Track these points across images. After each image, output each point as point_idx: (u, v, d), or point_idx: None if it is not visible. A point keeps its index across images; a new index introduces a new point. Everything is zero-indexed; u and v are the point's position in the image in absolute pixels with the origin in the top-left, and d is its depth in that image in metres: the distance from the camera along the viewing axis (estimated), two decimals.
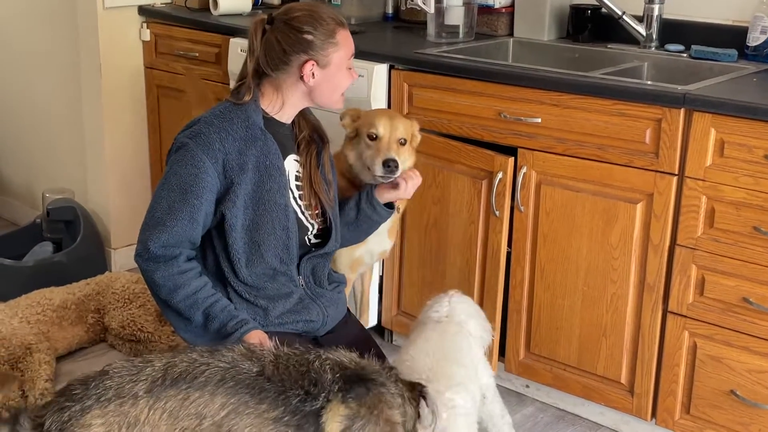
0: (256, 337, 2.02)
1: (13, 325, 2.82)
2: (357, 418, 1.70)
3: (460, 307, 2.30)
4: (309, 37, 2.10)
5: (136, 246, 2.07)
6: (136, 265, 3.52)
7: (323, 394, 1.70)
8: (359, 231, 2.36)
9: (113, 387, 1.65)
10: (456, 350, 2.18)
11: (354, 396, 1.72)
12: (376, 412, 1.72)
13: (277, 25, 2.12)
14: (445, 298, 2.33)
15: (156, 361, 1.71)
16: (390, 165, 2.30)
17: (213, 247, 2.12)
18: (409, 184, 2.34)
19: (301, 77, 2.11)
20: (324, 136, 2.26)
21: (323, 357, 1.78)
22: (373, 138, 2.36)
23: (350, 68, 2.19)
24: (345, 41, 2.15)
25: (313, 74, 2.11)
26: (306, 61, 2.10)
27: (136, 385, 1.65)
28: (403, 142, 2.38)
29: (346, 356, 1.81)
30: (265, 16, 2.14)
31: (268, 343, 1.99)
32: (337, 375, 1.74)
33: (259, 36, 2.12)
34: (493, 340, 2.41)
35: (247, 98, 2.11)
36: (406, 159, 2.38)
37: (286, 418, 1.67)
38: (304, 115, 2.24)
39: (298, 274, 2.18)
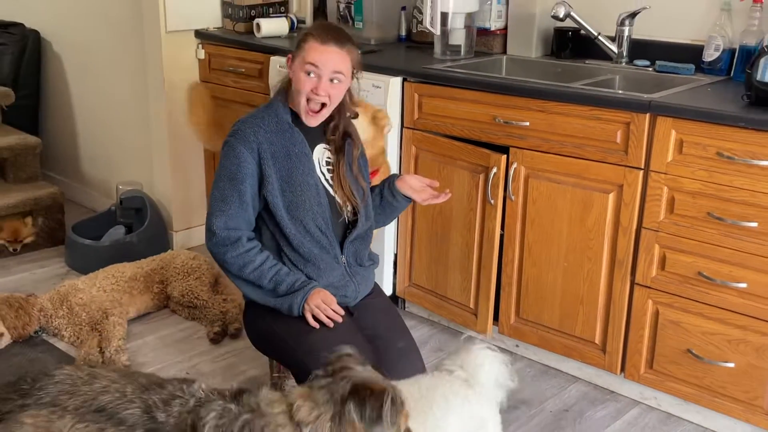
0: (321, 292, 2.01)
1: (92, 293, 2.85)
2: None
3: (479, 356, 1.88)
4: (301, 36, 2.08)
5: (204, 235, 2.08)
6: (193, 245, 3.60)
7: None
8: (385, 215, 2.29)
9: (51, 394, 1.57)
10: (435, 405, 1.79)
11: None
12: None
13: None
14: (473, 349, 1.89)
15: (97, 381, 1.59)
16: None
17: (267, 226, 2.11)
18: (437, 199, 2.25)
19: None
20: (355, 140, 2.18)
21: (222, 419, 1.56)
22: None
23: (309, 74, 2.01)
24: (309, 49, 2.02)
25: (289, 67, 2.08)
26: (289, 57, 2.09)
27: (70, 398, 1.56)
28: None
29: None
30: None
31: (330, 298, 1.99)
32: None
33: None
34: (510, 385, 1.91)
35: (279, 95, 2.11)
36: None
37: None
38: (336, 120, 2.14)
39: (342, 254, 2.15)
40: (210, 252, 2.09)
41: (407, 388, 1.73)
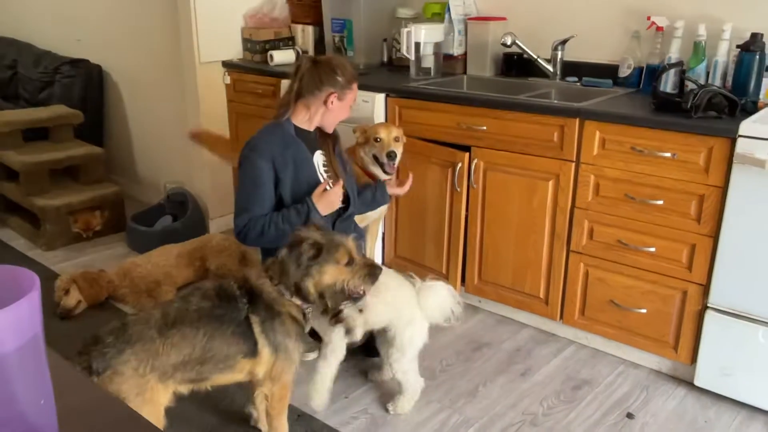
0: (316, 193, 2.06)
1: (148, 268, 2.87)
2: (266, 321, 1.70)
3: (435, 287, 2.09)
4: (339, 78, 2.10)
5: (233, 229, 2.07)
6: (226, 228, 3.55)
7: (244, 309, 1.68)
8: (365, 207, 2.35)
9: (135, 333, 1.58)
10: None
11: (257, 309, 1.69)
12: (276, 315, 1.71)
13: (320, 65, 2.12)
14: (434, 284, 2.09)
15: (155, 312, 1.64)
16: (391, 155, 2.38)
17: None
18: (407, 186, 2.38)
19: (325, 102, 2.12)
20: (336, 137, 2.25)
21: (236, 285, 1.71)
22: (378, 141, 2.42)
23: (350, 107, 2.19)
24: (355, 90, 2.16)
25: (332, 102, 2.12)
26: (331, 93, 2.11)
27: (149, 330, 1.59)
28: (397, 140, 2.43)
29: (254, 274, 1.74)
30: (313, 58, 2.14)
31: (320, 188, 2.06)
32: (245, 298, 1.69)
33: (306, 68, 2.12)
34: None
35: (287, 113, 2.11)
36: (400, 150, 2.45)
37: (231, 329, 1.65)
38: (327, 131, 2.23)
39: (333, 230, 2.17)
40: (238, 240, 2.08)
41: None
